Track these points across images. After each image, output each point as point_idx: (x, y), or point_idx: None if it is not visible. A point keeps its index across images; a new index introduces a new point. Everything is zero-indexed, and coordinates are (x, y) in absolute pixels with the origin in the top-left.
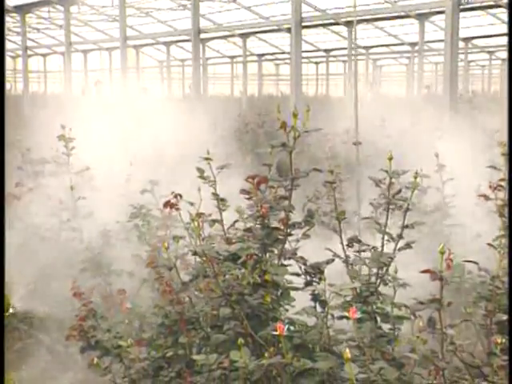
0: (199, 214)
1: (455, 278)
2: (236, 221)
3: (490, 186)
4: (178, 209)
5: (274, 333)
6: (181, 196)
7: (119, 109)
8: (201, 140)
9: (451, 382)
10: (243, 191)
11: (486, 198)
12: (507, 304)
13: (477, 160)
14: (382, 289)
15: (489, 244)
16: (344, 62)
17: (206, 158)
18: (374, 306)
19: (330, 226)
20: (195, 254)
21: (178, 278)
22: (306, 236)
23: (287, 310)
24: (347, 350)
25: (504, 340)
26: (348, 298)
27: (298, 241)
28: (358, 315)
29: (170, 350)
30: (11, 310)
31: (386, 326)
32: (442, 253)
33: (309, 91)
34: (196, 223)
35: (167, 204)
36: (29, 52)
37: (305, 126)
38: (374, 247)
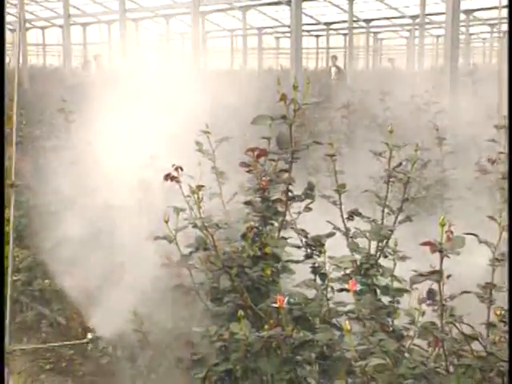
0: (199, 187)
1: (455, 250)
2: (235, 194)
3: (489, 160)
4: (178, 181)
5: (274, 305)
6: (181, 169)
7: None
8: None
9: (450, 353)
10: (243, 164)
11: (484, 172)
12: (507, 305)
13: (477, 133)
14: (381, 261)
15: (489, 217)
16: (344, 35)
17: (205, 132)
18: (374, 279)
19: (330, 199)
20: (195, 226)
21: (178, 251)
22: (307, 209)
23: (287, 283)
24: (347, 322)
25: (503, 312)
26: (348, 271)
27: (299, 213)
28: (358, 287)
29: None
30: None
31: (385, 299)
32: (443, 225)
33: (309, 65)
34: (196, 196)
35: (167, 177)
36: (27, 25)
37: (305, 99)
38: (373, 220)
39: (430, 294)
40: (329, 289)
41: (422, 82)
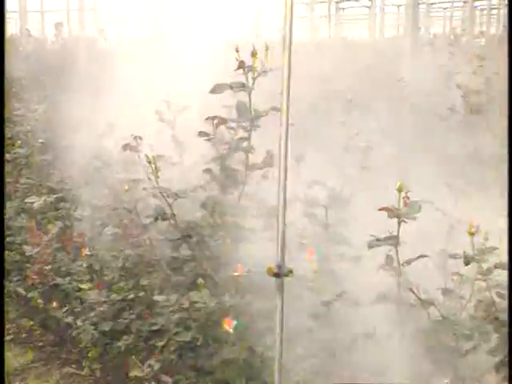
0: (158, 157)
1: (411, 215)
2: (196, 164)
3: None
4: (137, 151)
5: (234, 273)
6: (141, 138)
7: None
8: None
9: (407, 319)
10: (202, 133)
11: None
12: (507, 305)
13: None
14: (340, 229)
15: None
16: (307, 4)
17: (165, 101)
18: (333, 247)
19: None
20: (154, 196)
21: (138, 221)
22: (265, 177)
23: (247, 252)
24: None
25: (461, 277)
26: (305, 241)
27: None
28: (316, 256)
29: (130, 293)
30: None
31: (344, 266)
32: (400, 191)
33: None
34: (154, 165)
35: (126, 147)
36: None
37: (264, 66)
38: (333, 189)
39: (387, 259)
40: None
41: (383, 51)
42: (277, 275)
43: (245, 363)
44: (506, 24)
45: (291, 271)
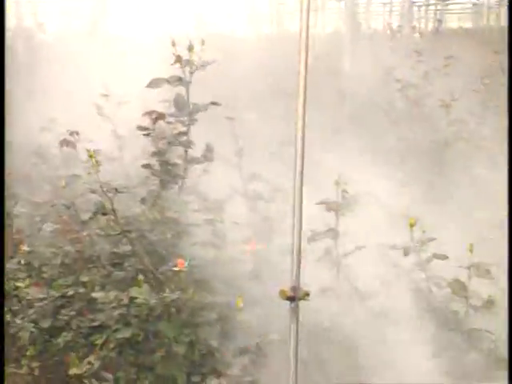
0: (97, 151)
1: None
2: (136, 159)
3: None
4: (74, 147)
5: (174, 268)
6: (77, 133)
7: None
8: None
9: (347, 308)
10: (140, 127)
11: None
12: (507, 305)
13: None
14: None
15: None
16: None
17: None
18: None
19: (230, 161)
20: (94, 191)
21: (78, 217)
22: (206, 172)
23: (188, 247)
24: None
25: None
26: (248, 233)
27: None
28: (256, 248)
29: (70, 289)
30: None
31: (286, 259)
32: (338, 184)
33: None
34: (94, 160)
35: (63, 142)
36: None
37: (201, 60)
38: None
39: (327, 251)
40: (229, 251)
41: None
42: (291, 299)
43: (185, 358)
44: (506, 24)
45: (308, 294)
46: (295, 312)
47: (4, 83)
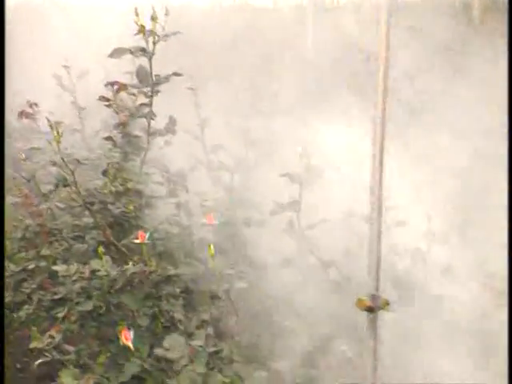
0: (58, 123)
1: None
2: (98, 131)
3: None
4: (34, 119)
5: (136, 241)
6: (36, 105)
7: None
8: None
9: (310, 281)
10: (102, 98)
11: None
12: (507, 306)
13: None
14: (245, 194)
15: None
16: None
17: (64, 66)
18: (237, 212)
19: (193, 133)
20: (55, 164)
21: (38, 190)
22: (168, 143)
23: (152, 219)
24: (212, 246)
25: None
26: (211, 205)
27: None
28: (218, 221)
29: (31, 263)
30: None
31: (248, 231)
32: (302, 156)
33: None
34: (55, 132)
35: (22, 114)
36: None
37: (165, 30)
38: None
39: (291, 224)
40: (192, 223)
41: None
42: (370, 309)
43: (148, 330)
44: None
45: (388, 303)
46: (374, 324)
47: (4, 83)
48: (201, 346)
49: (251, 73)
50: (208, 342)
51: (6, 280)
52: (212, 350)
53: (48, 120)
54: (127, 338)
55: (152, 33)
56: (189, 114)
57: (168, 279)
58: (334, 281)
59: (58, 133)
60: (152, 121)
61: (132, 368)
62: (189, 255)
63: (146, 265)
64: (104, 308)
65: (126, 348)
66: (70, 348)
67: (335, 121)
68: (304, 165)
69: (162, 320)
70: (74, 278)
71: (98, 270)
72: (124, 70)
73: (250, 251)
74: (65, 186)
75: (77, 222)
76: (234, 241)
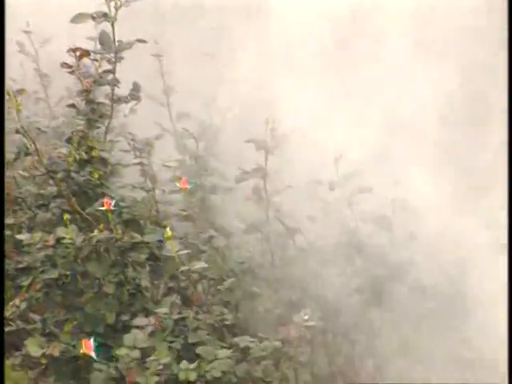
0: (20, 91)
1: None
2: (61, 98)
3: None
4: None
5: (102, 208)
6: None
7: None
8: None
9: (276, 248)
10: (65, 65)
11: None
12: (507, 306)
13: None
14: (211, 161)
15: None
16: None
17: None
18: (204, 179)
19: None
20: (17, 132)
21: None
22: (133, 111)
23: (117, 187)
24: (168, 229)
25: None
26: (178, 172)
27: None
28: (189, 186)
29: None
30: None
31: (215, 198)
32: (267, 123)
33: None
34: (15, 100)
35: None
36: None
37: None
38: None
39: (256, 190)
40: (158, 191)
41: None
42: None
43: (114, 298)
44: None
45: None
46: None
47: (4, 83)
48: (166, 314)
49: (217, 39)
50: (173, 309)
51: None
52: (177, 317)
53: (7, 89)
54: (88, 347)
55: None
56: (155, 82)
57: (134, 247)
58: (299, 247)
59: (16, 101)
60: (117, 88)
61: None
62: (155, 223)
63: (111, 232)
64: (70, 276)
65: (93, 316)
66: (36, 317)
67: (301, 87)
68: (269, 131)
69: (129, 287)
70: (39, 246)
71: (63, 238)
72: (87, 35)
73: (216, 218)
74: (26, 154)
75: (41, 191)
76: (201, 208)
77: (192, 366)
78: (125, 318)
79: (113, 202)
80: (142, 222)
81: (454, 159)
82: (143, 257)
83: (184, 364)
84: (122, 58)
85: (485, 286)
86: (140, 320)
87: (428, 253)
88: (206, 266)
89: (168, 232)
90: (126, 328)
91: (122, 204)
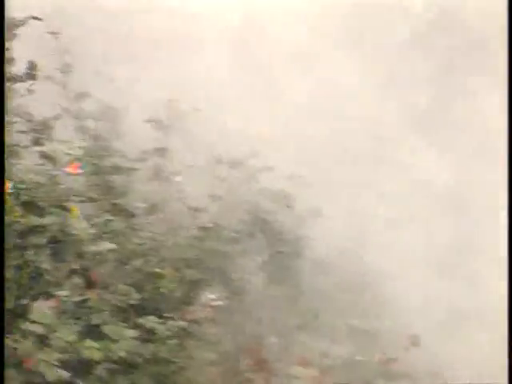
0: None
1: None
2: None
3: None
4: None
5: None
6: None
7: None
8: None
9: (177, 226)
10: None
11: None
12: (507, 307)
13: None
14: (113, 143)
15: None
16: None
17: None
18: (106, 161)
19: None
20: None
21: None
22: (30, 91)
23: (15, 169)
24: (74, 206)
25: (228, 182)
26: (77, 154)
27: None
28: (81, 170)
29: None
30: None
31: (118, 179)
32: (170, 101)
33: None
34: None
35: None
36: None
37: None
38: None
39: (157, 170)
40: (60, 173)
41: None
42: None
43: (13, 282)
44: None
45: None
46: None
47: (4, 84)
48: (66, 296)
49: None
50: (74, 291)
51: None
52: (78, 299)
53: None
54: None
55: None
56: (50, 60)
57: (33, 229)
58: (201, 227)
59: None
60: (13, 67)
61: None
62: (55, 205)
63: (9, 215)
64: None
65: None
66: None
67: (204, 67)
68: (169, 110)
69: (28, 271)
70: None
71: None
72: None
73: (118, 199)
74: None
75: None
76: (102, 189)
77: (96, 344)
78: (24, 301)
79: (11, 185)
80: (42, 204)
81: None
82: (43, 240)
83: (88, 342)
84: (15, 35)
85: (381, 261)
86: (39, 303)
87: (328, 228)
88: (114, 246)
89: (75, 212)
90: (26, 313)
91: (20, 186)
